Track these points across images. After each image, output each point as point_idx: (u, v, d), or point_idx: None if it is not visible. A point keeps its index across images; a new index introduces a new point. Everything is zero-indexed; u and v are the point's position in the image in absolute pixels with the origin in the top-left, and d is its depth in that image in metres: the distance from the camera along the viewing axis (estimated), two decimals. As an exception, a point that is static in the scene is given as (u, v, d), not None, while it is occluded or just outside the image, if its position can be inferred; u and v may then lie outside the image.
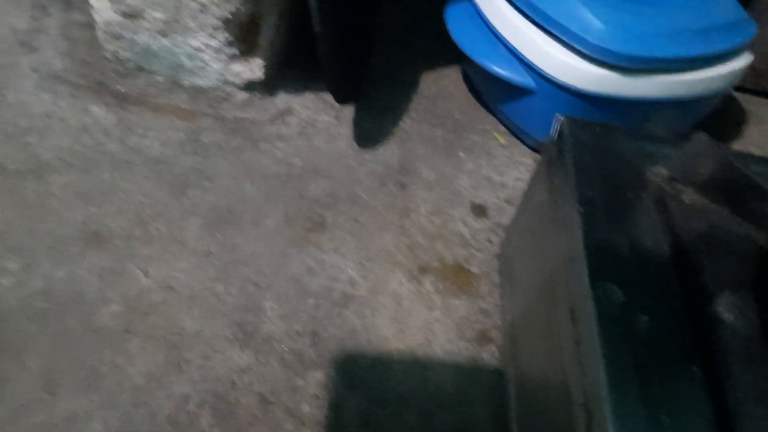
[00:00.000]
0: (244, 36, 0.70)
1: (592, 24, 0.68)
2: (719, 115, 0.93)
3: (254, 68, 0.72)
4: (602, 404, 0.33)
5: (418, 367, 0.56)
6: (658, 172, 0.46)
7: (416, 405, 0.53)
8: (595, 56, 0.68)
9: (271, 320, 0.57)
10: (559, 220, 0.44)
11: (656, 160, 0.47)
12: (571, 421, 0.36)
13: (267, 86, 0.75)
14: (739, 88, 0.97)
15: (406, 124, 0.79)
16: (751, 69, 0.94)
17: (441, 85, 0.86)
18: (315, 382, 0.53)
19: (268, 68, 0.74)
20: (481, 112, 0.83)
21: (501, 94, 0.79)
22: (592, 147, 0.47)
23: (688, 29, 0.70)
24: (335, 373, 0.54)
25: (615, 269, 0.39)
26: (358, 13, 0.76)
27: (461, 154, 0.77)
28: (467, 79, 0.87)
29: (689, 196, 0.44)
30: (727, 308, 0.37)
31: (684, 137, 0.46)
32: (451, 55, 0.83)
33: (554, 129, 0.50)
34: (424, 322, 0.59)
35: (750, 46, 0.76)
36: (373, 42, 0.86)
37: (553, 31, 0.70)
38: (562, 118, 0.50)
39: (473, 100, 0.84)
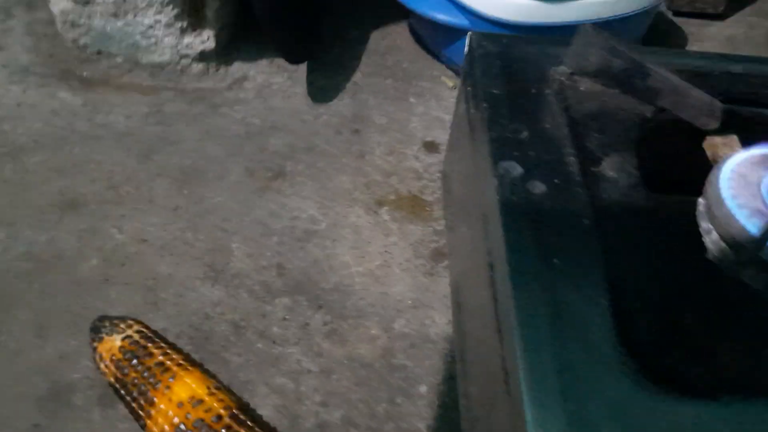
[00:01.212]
0: (191, 9, 0.75)
1: (513, -42, 0.73)
2: (661, 38, 0.97)
3: (205, 39, 0.77)
4: (502, 254, 0.38)
5: (377, 285, 0.60)
6: (559, 70, 0.50)
7: (376, 314, 0.58)
8: (518, -13, 0.73)
9: (239, 259, 0.62)
10: (471, 120, 0.49)
11: (558, 60, 0.51)
12: (481, 282, 0.41)
13: (222, 56, 0.80)
14: (678, 12, 1.01)
15: (358, 77, 0.84)
16: (688, -8, 0.99)
17: (390, 40, 0.90)
18: (282, 307, 0.58)
19: (220, 38, 0.79)
20: (429, 60, 0.87)
21: (443, 39, 0.84)
22: (499, 54, 0.52)
23: (605, -47, 0.75)
24: (301, 297, 0.59)
25: (516, 149, 0.44)
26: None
27: (412, 99, 0.81)
28: (414, 32, 0.91)
29: (584, 84, 0.49)
30: (611, 167, 0.42)
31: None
32: (398, 11, 0.87)
33: (466, 45, 0.54)
34: (382, 247, 0.64)
35: (670, -36, 0.80)
36: (322, 3, 0.91)
37: (478, -30, 0.75)
38: (470, 34, 0.54)
39: (421, 51, 0.89)
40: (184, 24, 0.75)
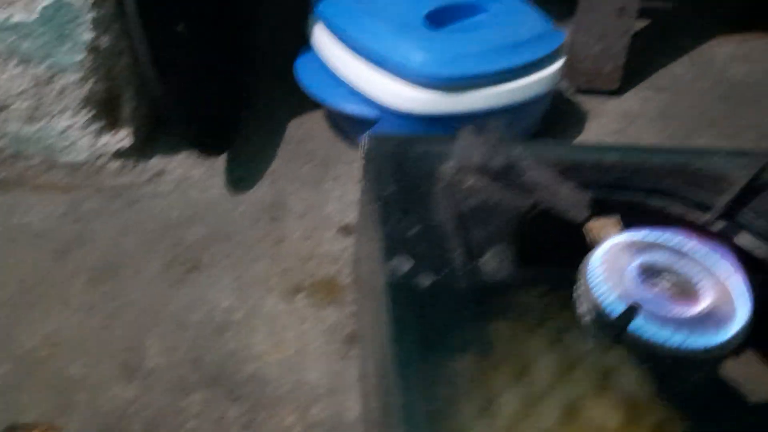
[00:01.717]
0: (106, 110, 0.77)
1: (413, 54, 0.78)
2: (563, 116, 1.04)
3: (122, 138, 0.79)
4: (389, 352, 0.41)
5: (293, 373, 0.62)
6: (448, 167, 0.55)
7: (292, 402, 0.59)
8: (419, 81, 0.78)
9: (154, 355, 0.62)
10: (368, 217, 0.53)
11: (447, 157, 0.56)
12: (376, 373, 0.44)
13: (139, 151, 0.83)
14: (578, 90, 1.09)
15: (276, 165, 0.87)
16: (585, 73, 1.07)
17: (307, 127, 0.94)
18: (198, 401, 0.59)
19: (137, 135, 0.81)
20: (345, 146, 0.92)
21: (355, 127, 0.88)
22: (392, 154, 0.56)
23: (498, 46, 0.81)
24: (217, 390, 0.60)
25: (406, 245, 0.47)
26: (212, 75, 0.85)
27: (329, 184, 0.85)
28: (330, 118, 0.95)
29: (469, 180, 0.53)
30: (491, 258, 0.46)
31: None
32: (313, 100, 0.91)
33: (362, 146, 0.58)
34: (297, 334, 0.66)
35: (559, 54, 0.87)
36: (241, 96, 0.94)
37: (381, 65, 0.80)
38: (366, 136, 0.58)
39: (336, 137, 0.93)
40: (100, 125, 0.77)
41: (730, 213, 0.52)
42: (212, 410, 0.58)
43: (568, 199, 0.49)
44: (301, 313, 0.68)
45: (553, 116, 1.01)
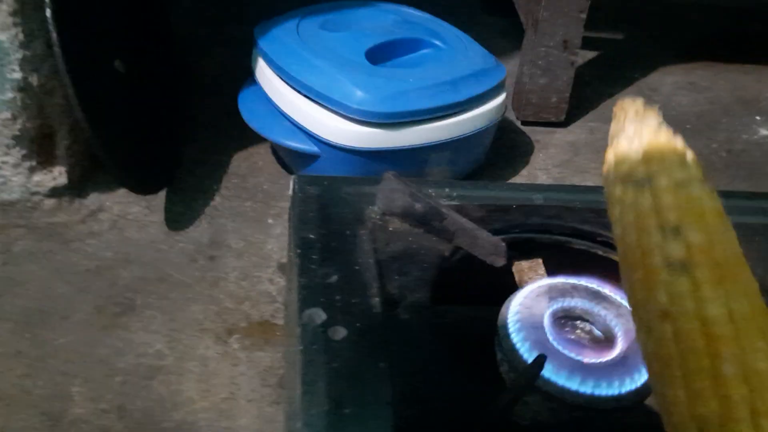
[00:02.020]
0: (39, 148, 0.76)
1: (352, 91, 0.78)
2: (510, 147, 1.05)
3: (56, 176, 0.78)
4: (298, 406, 0.40)
5: (222, 419, 0.61)
6: (373, 210, 0.54)
7: (219, 453, 0.58)
8: (359, 118, 0.78)
9: (78, 404, 0.61)
10: (289, 264, 0.52)
11: (373, 200, 0.55)
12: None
13: (75, 189, 0.81)
14: (526, 122, 1.10)
15: (217, 201, 0.86)
16: (532, 105, 1.08)
17: (251, 162, 0.94)
18: (122, 452, 0.58)
19: (72, 173, 0.80)
20: (290, 179, 0.91)
21: (298, 162, 0.87)
22: (318, 196, 0.56)
23: (439, 82, 0.82)
24: (142, 440, 0.59)
25: (323, 295, 0.47)
26: (150, 112, 0.84)
27: (270, 220, 0.84)
28: (275, 154, 0.95)
29: (393, 225, 0.53)
30: (406, 310, 0.45)
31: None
32: (260, 135, 0.90)
33: (290, 188, 0.58)
34: (229, 379, 0.65)
35: (501, 88, 0.88)
36: (181, 131, 0.93)
37: (322, 102, 0.80)
38: (294, 178, 0.58)
39: (282, 171, 0.92)
40: (33, 163, 0.76)
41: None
42: (136, 461, 0.57)
43: (487, 246, 0.49)
44: (233, 357, 0.66)
45: (501, 148, 1.02)
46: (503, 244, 0.49)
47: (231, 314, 0.71)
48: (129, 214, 0.82)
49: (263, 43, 0.86)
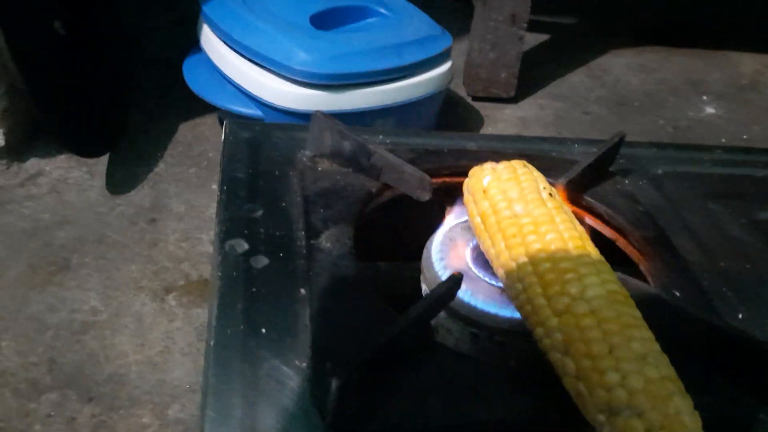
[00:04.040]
0: (-25, 108, 0.74)
1: (295, 52, 0.78)
2: (461, 121, 1.06)
3: (-7, 137, 0.77)
4: (212, 328, 0.39)
5: (155, 372, 0.60)
6: (304, 154, 0.54)
7: (150, 402, 0.57)
8: (301, 79, 0.78)
9: (6, 357, 0.59)
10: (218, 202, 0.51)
11: (304, 145, 0.55)
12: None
13: (13, 152, 0.80)
14: (475, 98, 1.11)
15: (160, 168, 0.85)
16: (481, 80, 1.09)
17: (197, 131, 0.93)
18: (49, 403, 0.56)
19: (11, 136, 0.78)
20: (236, 149, 0.90)
21: (243, 128, 0.87)
22: (249, 140, 0.55)
23: (383, 46, 0.82)
24: (70, 392, 0.57)
25: (246, 228, 0.46)
26: (91, 74, 0.82)
27: (214, 186, 0.83)
28: (222, 123, 0.94)
29: (323, 165, 0.52)
30: (328, 239, 0.45)
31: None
32: (208, 105, 0.90)
33: (222, 132, 0.57)
34: (164, 334, 0.64)
35: (447, 56, 0.88)
36: (124, 97, 0.92)
37: (265, 65, 0.79)
38: (226, 121, 0.57)
39: (229, 140, 0.92)
40: (-33, 122, 0.74)
41: (573, 193, 0.52)
42: (63, 411, 0.56)
43: (413, 180, 0.49)
44: (170, 313, 0.66)
45: (451, 122, 1.03)
46: (428, 178, 0.49)
47: (169, 273, 0.70)
48: (69, 178, 0.80)
49: (208, 9, 0.85)
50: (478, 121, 1.06)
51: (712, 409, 0.32)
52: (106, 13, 0.91)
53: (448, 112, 0.99)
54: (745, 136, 1.10)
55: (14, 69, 0.67)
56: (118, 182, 0.81)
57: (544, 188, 0.42)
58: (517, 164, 0.45)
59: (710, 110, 1.18)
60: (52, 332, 0.62)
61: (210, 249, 0.74)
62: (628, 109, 1.14)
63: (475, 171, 0.46)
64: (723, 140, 1.09)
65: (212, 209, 0.79)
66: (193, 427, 0.56)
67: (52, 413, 0.55)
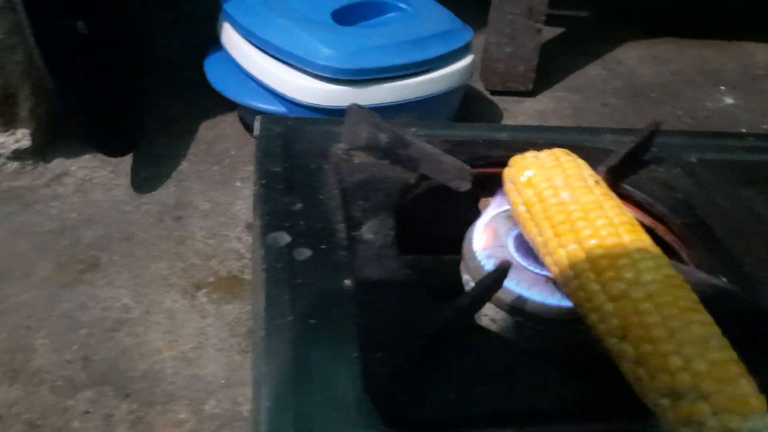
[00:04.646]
0: (2, 109, 0.74)
1: (318, 48, 0.78)
2: (479, 115, 1.06)
3: (20, 138, 0.77)
4: (261, 319, 0.39)
5: (189, 368, 0.60)
6: (338, 146, 0.54)
7: (186, 398, 0.57)
8: (325, 75, 0.78)
9: (41, 355, 0.60)
10: (254, 197, 0.51)
11: (339, 138, 0.55)
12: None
13: (39, 153, 0.80)
14: (494, 92, 1.10)
15: (184, 166, 0.85)
16: (499, 74, 1.09)
17: (218, 129, 0.93)
18: (85, 400, 0.56)
19: (36, 136, 0.78)
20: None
21: (265, 125, 0.87)
22: (282, 135, 0.55)
23: (405, 40, 0.82)
24: (106, 388, 0.58)
25: (287, 220, 0.46)
26: (113, 74, 0.83)
27: (238, 183, 0.84)
28: (242, 120, 0.94)
29: (359, 158, 0.52)
30: (369, 231, 0.45)
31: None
32: (227, 102, 0.90)
33: (255, 128, 0.57)
34: (196, 330, 0.64)
35: (467, 50, 0.88)
36: (141, 100, 0.92)
37: (288, 61, 0.79)
38: (259, 117, 0.57)
39: (249, 138, 0.92)
40: (-6, 124, 0.74)
41: (612, 181, 0.52)
42: (100, 408, 0.56)
43: (452, 170, 0.49)
44: (201, 309, 0.66)
45: (469, 116, 1.02)
46: (468, 167, 0.49)
47: (198, 270, 0.70)
48: (94, 178, 0.81)
49: (229, 7, 0.85)
50: (497, 114, 1.06)
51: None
52: (124, 11, 0.91)
53: (466, 106, 0.99)
54: (764, 126, 1.10)
55: (44, 69, 0.67)
56: (143, 181, 0.81)
57: (590, 176, 0.42)
58: (560, 152, 0.44)
59: (728, 100, 1.18)
60: (85, 330, 0.62)
61: (237, 246, 0.74)
62: (644, 100, 1.14)
63: (516, 159, 0.46)
64: (743, 130, 1.08)
65: (237, 206, 0.80)
66: (229, 422, 0.56)
67: (90, 410, 0.56)
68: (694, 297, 0.33)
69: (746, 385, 0.29)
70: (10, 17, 0.71)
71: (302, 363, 0.37)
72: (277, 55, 0.80)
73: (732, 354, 0.30)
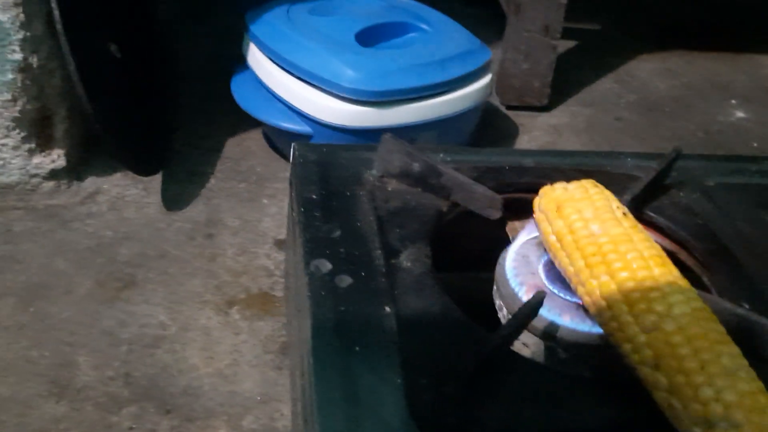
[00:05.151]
0: (38, 131, 0.77)
1: (343, 70, 0.80)
2: (495, 131, 1.08)
3: (55, 158, 0.79)
4: (308, 346, 0.42)
5: (226, 384, 0.62)
6: (372, 174, 0.57)
7: (225, 414, 0.60)
8: (350, 97, 0.80)
9: (84, 372, 0.62)
10: (292, 223, 0.54)
11: (371, 164, 0.57)
12: (299, 374, 0.45)
13: (73, 172, 0.82)
14: (509, 107, 1.13)
15: (212, 183, 0.88)
16: (515, 89, 1.11)
17: (244, 147, 0.95)
18: (129, 416, 0.59)
19: (71, 156, 0.81)
20: (282, 163, 0.93)
21: (290, 143, 0.89)
22: (317, 162, 0.58)
23: (426, 62, 0.84)
24: (148, 404, 0.60)
25: (327, 248, 0.49)
26: (144, 94, 0.85)
27: (265, 200, 0.86)
28: (267, 137, 0.97)
29: (392, 185, 0.55)
30: (407, 258, 0.48)
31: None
32: (252, 119, 0.92)
33: (291, 155, 0.60)
34: (231, 347, 0.66)
35: (487, 69, 0.91)
36: (169, 118, 0.95)
37: (314, 82, 0.82)
38: (294, 145, 0.60)
39: (274, 155, 0.94)
40: (32, 145, 0.77)
41: (636, 209, 0.54)
42: (144, 424, 0.58)
43: (482, 199, 0.51)
44: (235, 326, 0.68)
45: (486, 131, 1.05)
46: (499, 197, 0.51)
47: (230, 287, 0.72)
48: (126, 196, 0.83)
49: (255, 28, 0.88)
50: (513, 129, 1.08)
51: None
52: (154, 32, 0.94)
53: (483, 120, 1.01)
54: (776, 140, 1.12)
55: (82, 94, 0.70)
56: (173, 198, 0.84)
57: (618, 208, 0.44)
58: (588, 183, 0.47)
59: (740, 114, 1.20)
60: (125, 347, 0.65)
61: (266, 263, 0.76)
62: (658, 115, 1.16)
63: (546, 190, 0.48)
64: (755, 144, 1.10)
65: (265, 223, 0.82)
66: (267, 436, 0.58)
67: (134, 426, 0.58)
68: (722, 329, 0.36)
69: (774, 415, 0.31)
70: (49, 42, 0.74)
71: (350, 389, 0.39)
72: (302, 77, 0.82)
73: (760, 385, 0.33)
